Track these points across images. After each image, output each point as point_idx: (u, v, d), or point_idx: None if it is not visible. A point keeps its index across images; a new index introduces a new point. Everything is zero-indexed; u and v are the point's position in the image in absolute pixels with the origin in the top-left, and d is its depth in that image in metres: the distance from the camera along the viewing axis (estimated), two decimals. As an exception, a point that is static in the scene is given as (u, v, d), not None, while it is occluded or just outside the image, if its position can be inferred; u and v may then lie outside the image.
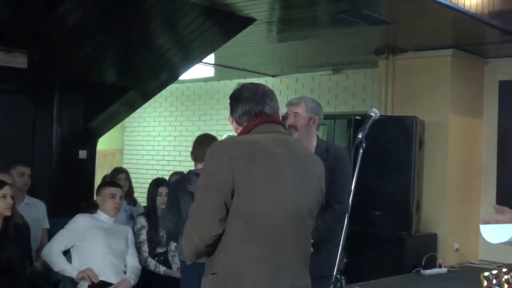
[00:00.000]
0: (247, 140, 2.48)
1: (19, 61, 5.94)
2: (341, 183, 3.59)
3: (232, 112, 2.61)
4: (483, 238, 2.53)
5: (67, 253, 4.57)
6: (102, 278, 4.47)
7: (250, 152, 2.42)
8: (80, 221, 4.56)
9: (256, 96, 2.57)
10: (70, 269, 4.43)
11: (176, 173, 6.97)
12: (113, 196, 4.62)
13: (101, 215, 4.65)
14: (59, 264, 4.44)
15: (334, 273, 2.66)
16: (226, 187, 2.34)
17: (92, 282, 4.37)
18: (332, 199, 3.54)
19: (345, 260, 4.16)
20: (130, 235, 4.85)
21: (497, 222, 2.55)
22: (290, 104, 3.84)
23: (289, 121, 3.76)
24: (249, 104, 2.56)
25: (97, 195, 4.79)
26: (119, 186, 4.87)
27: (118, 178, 6.13)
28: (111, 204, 4.61)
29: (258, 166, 2.40)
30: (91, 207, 5.50)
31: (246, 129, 2.54)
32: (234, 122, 2.60)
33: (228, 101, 2.67)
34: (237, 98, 2.59)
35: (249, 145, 2.45)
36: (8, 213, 4.14)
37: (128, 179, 6.26)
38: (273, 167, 2.44)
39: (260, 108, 2.56)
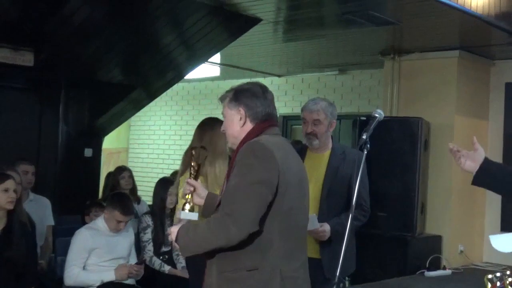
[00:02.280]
0: (279, 142, 2.58)
1: (25, 59, 5.97)
2: (367, 185, 3.79)
3: (248, 107, 2.62)
4: (489, 242, 2.57)
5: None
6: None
7: (285, 153, 2.55)
8: (83, 237, 4.54)
9: (273, 101, 2.70)
10: (105, 275, 4.48)
11: (177, 172, 6.98)
12: (120, 222, 4.62)
13: (101, 224, 4.65)
14: (93, 278, 4.46)
15: (337, 273, 2.67)
16: (274, 185, 2.43)
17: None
18: (363, 201, 3.77)
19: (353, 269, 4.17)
20: (132, 237, 4.87)
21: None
22: (309, 111, 3.81)
23: (309, 129, 3.75)
24: (270, 106, 2.66)
25: (107, 205, 4.73)
26: (131, 213, 4.80)
27: (122, 176, 6.15)
28: (115, 226, 4.62)
29: (290, 166, 2.53)
30: (94, 206, 5.52)
31: (260, 128, 2.61)
32: (247, 117, 2.62)
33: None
34: (259, 97, 2.64)
35: (281, 146, 2.57)
36: (10, 207, 4.10)
37: (131, 177, 6.29)
38: (297, 168, 2.61)
39: (276, 113, 2.71)
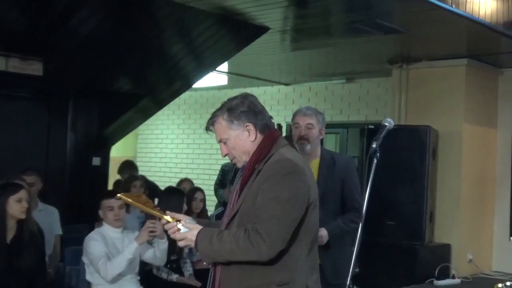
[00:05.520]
0: (299, 156, 2.64)
1: (34, 68, 5.98)
2: (359, 188, 3.82)
3: (253, 120, 2.60)
4: (498, 250, 2.56)
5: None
6: None
7: (307, 168, 2.58)
8: (94, 238, 4.44)
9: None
10: (127, 251, 4.25)
11: (184, 180, 6.98)
12: (111, 208, 4.47)
13: (107, 229, 4.55)
14: (119, 263, 4.26)
15: (348, 282, 2.67)
16: (304, 205, 2.47)
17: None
18: (357, 203, 3.77)
19: (357, 270, 4.19)
20: None
21: None
22: (303, 114, 3.86)
23: (302, 132, 3.78)
24: (267, 116, 2.66)
25: (99, 208, 4.62)
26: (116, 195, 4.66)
27: (134, 185, 6.13)
28: (111, 216, 4.49)
29: (310, 181, 2.57)
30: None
31: (272, 139, 2.61)
32: (257, 131, 2.60)
33: None
34: (256, 111, 2.62)
35: (304, 161, 2.60)
36: (22, 216, 4.11)
37: (143, 186, 6.27)
38: (314, 180, 2.65)
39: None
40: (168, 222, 2.56)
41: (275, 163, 2.50)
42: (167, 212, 2.61)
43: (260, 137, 2.60)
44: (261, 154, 2.56)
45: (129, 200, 2.69)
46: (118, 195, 2.73)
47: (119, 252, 4.44)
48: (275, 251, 2.38)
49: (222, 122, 2.63)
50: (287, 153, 2.55)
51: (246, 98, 2.64)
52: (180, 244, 2.55)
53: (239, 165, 2.67)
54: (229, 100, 2.66)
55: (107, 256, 4.33)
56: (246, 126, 2.59)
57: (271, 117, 2.68)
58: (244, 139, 2.60)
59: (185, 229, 2.52)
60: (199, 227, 2.53)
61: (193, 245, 2.50)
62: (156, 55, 6.29)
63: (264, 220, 2.38)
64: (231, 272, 2.50)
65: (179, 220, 2.56)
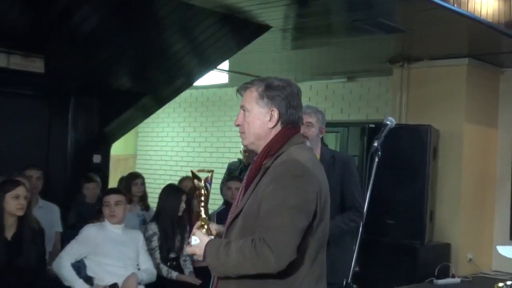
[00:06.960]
0: (311, 157, 2.42)
1: (36, 65, 5.98)
2: (359, 187, 3.83)
3: (283, 111, 2.43)
4: (497, 249, 2.57)
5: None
6: None
7: (318, 169, 2.40)
8: (89, 232, 4.57)
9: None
10: (80, 285, 4.43)
11: (186, 178, 6.97)
12: (107, 204, 4.66)
13: (107, 224, 4.69)
14: (69, 279, 4.44)
15: (349, 280, 2.66)
16: (312, 212, 2.28)
17: None
18: (357, 202, 3.78)
19: (356, 269, 4.19)
20: (141, 240, 4.86)
21: None
22: (303, 113, 3.87)
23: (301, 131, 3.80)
24: (298, 115, 2.49)
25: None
26: (114, 192, 4.87)
27: (135, 182, 6.15)
28: (107, 212, 4.66)
29: (324, 184, 2.39)
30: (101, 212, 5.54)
31: (288, 135, 2.43)
32: (279, 120, 2.43)
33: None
34: (295, 100, 2.46)
35: (314, 161, 2.41)
36: (20, 213, 4.14)
37: (143, 184, 6.29)
38: (326, 182, 2.43)
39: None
40: (199, 224, 2.46)
41: (282, 164, 2.31)
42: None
43: (278, 128, 2.42)
44: (272, 149, 2.38)
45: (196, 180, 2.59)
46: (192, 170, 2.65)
47: (115, 244, 4.55)
48: (285, 262, 2.18)
49: (254, 92, 2.44)
50: (296, 153, 2.34)
51: (290, 86, 2.46)
52: (194, 257, 2.47)
53: (244, 143, 2.50)
54: (274, 78, 2.48)
55: (74, 257, 4.50)
56: (272, 110, 2.41)
57: (302, 120, 2.53)
58: (262, 121, 2.42)
59: (195, 241, 2.40)
60: (207, 239, 2.37)
61: (201, 258, 2.36)
62: (157, 53, 6.29)
63: (271, 229, 2.19)
64: (229, 284, 2.35)
65: (203, 226, 2.45)
